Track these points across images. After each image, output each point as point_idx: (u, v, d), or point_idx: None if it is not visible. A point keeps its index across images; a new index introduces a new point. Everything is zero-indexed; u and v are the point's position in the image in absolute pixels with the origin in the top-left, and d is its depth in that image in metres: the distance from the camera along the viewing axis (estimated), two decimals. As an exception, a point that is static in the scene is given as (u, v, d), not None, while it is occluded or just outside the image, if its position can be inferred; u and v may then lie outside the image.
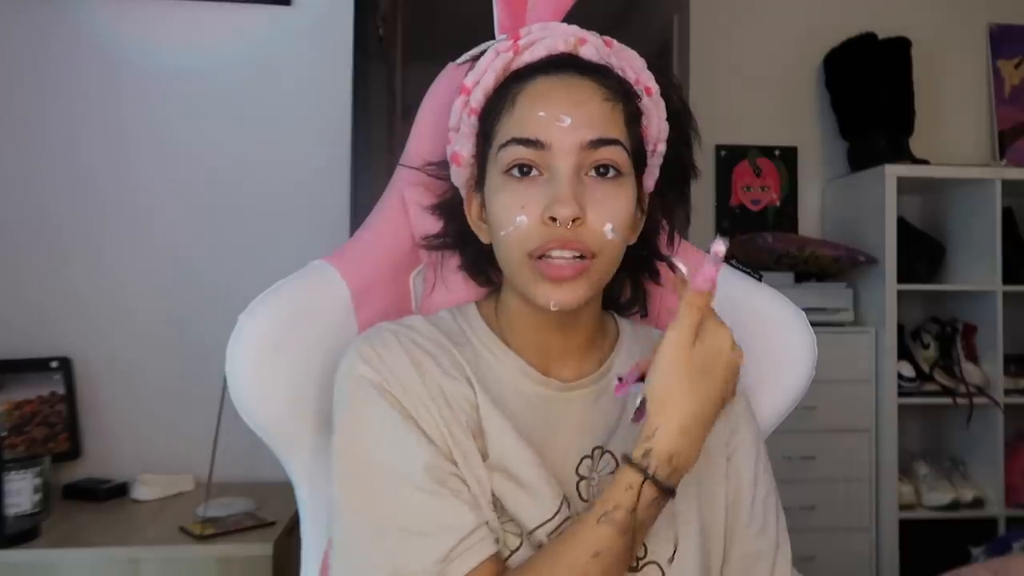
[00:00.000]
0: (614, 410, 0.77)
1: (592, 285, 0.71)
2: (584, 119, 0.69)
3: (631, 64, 0.75)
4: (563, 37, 0.74)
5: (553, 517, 0.70)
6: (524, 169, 0.70)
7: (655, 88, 0.76)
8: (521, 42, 0.74)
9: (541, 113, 0.69)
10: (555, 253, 0.68)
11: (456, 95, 0.78)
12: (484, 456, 0.70)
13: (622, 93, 0.72)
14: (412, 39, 2.94)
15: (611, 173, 0.70)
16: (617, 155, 0.70)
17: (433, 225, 0.86)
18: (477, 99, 0.75)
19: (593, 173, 0.70)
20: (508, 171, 0.70)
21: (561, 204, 0.66)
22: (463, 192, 0.80)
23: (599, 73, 0.72)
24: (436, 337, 0.76)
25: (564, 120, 0.68)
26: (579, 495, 0.73)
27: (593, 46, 0.74)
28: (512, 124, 0.71)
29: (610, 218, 0.69)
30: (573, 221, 0.67)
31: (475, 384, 0.73)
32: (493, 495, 0.70)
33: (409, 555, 0.65)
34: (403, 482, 0.67)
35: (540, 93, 0.71)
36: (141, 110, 1.71)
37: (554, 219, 0.67)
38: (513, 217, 0.69)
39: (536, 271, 0.69)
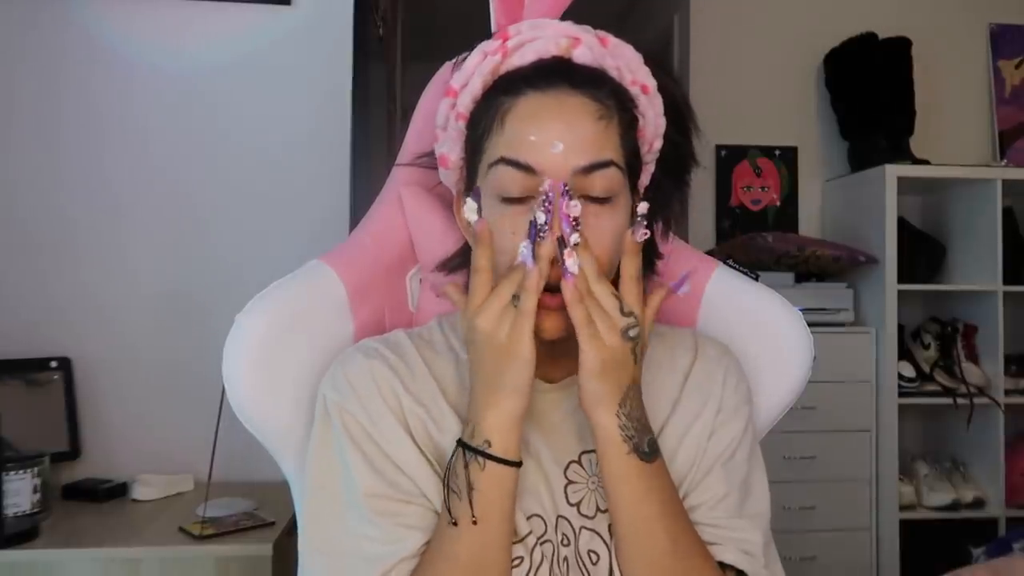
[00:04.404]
0: None
1: None
2: (576, 143, 0.65)
3: (628, 63, 0.71)
4: (555, 39, 0.69)
5: (525, 536, 0.69)
6: (515, 197, 0.66)
7: (652, 85, 0.71)
8: (509, 43, 0.69)
9: (532, 137, 0.65)
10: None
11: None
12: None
13: (617, 104, 0.68)
14: (412, 39, 2.94)
15: (603, 195, 0.67)
16: (610, 178, 0.67)
17: (431, 223, 0.85)
18: (465, 104, 0.71)
19: (584, 198, 0.66)
20: (498, 194, 0.67)
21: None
22: (453, 192, 0.78)
23: (592, 83, 0.68)
24: (412, 357, 0.74)
25: (556, 147, 0.65)
26: (567, 499, 0.72)
27: (587, 47, 0.69)
28: (502, 144, 0.67)
29: (599, 244, 0.66)
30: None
31: (432, 410, 0.72)
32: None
33: None
34: (345, 508, 0.68)
35: (530, 113, 0.66)
36: (140, 110, 1.71)
37: None
38: (504, 243, 0.66)
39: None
